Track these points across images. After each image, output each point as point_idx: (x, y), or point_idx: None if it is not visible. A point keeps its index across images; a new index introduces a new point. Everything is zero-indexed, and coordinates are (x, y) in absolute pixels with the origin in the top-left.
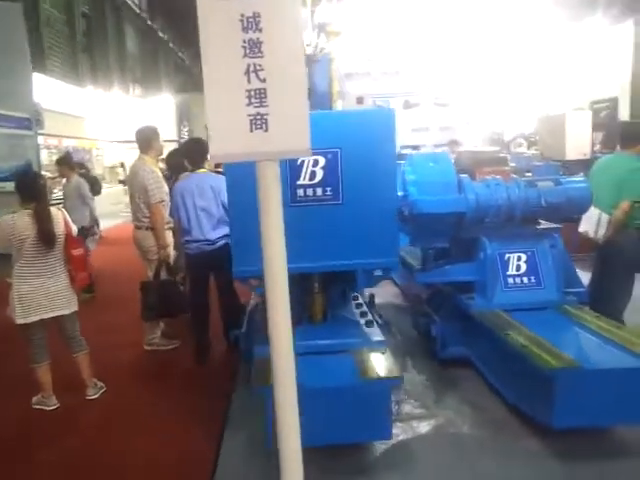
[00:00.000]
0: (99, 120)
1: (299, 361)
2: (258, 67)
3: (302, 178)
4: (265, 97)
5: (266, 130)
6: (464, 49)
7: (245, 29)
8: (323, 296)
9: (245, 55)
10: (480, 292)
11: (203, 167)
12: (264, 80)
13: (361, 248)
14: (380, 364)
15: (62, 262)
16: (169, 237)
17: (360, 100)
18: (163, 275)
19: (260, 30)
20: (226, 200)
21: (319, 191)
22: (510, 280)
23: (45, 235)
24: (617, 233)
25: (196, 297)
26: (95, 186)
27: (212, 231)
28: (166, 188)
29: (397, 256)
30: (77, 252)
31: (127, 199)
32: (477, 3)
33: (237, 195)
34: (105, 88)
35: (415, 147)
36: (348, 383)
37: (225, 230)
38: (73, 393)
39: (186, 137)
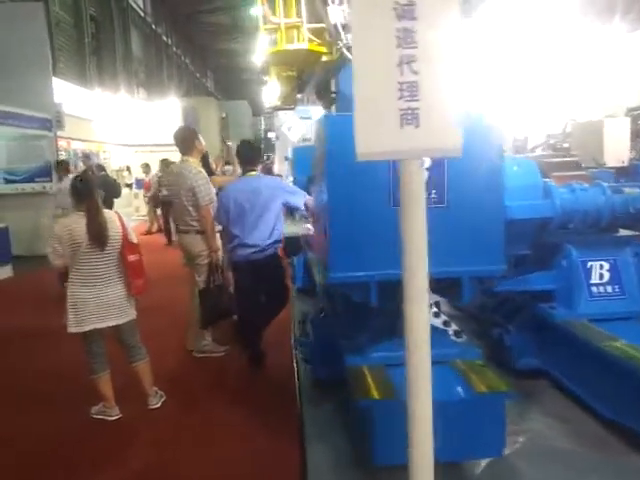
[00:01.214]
0: (106, 123)
1: (398, 374)
2: (411, 58)
3: None
4: (417, 90)
5: (417, 126)
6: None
7: (399, 17)
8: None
9: (399, 45)
10: (562, 301)
11: (255, 169)
12: (417, 72)
13: (466, 255)
14: (485, 376)
15: (118, 269)
16: (218, 241)
17: None
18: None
19: (415, 19)
20: (292, 199)
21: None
22: (594, 289)
23: (95, 234)
24: None
25: (249, 305)
26: (116, 188)
27: (265, 238)
28: (214, 190)
29: (504, 263)
30: (133, 258)
31: (136, 202)
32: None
33: (338, 195)
34: (112, 91)
35: None
36: (462, 397)
37: (277, 236)
38: (133, 403)
39: None
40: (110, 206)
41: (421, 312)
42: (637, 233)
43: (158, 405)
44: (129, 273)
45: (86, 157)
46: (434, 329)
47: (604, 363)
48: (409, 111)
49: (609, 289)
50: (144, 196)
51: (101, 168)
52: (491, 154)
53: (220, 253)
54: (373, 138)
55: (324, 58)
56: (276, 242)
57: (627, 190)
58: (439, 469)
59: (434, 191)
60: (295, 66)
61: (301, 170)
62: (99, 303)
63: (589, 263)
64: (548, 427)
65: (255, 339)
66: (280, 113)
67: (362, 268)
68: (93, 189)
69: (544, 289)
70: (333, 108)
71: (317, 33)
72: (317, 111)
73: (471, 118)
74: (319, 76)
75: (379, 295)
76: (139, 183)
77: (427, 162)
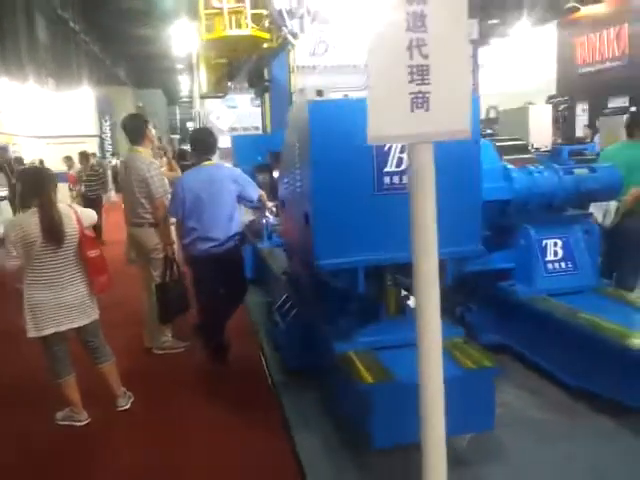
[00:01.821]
0: (15, 114)
1: (389, 357)
2: (421, 42)
3: (389, 165)
4: (428, 74)
5: (427, 110)
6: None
7: (410, 1)
8: (398, 289)
9: (408, 29)
10: (521, 278)
11: (211, 159)
12: (427, 56)
13: (447, 236)
14: (469, 353)
15: (78, 267)
16: (173, 233)
17: (320, 93)
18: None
19: (424, 2)
20: (246, 191)
21: (405, 178)
22: (549, 266)
23: (50, 230)
24: (625, 218)
25: (210, 298)
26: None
27: (225, 231)
28: (167, 181)
29: (479, 243)
30: (94, 253)
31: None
32: None
33: (324, 182)
34: (19, 81)
35: None
36: (452, 375)
37: (236, 228)
38: (102, 405)
39: (108, 132)
40: None
41: (433, 296)
42: (585, 211)
43: (127, 406)
44: (90, 270)
45: (2, 149)
46: (410, 310)
47: (568, 335)
48: (419, 95)
49: (563, 265)
50: (70, 190)
51: (20, 161)
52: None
53: (175, 246)
54: (384, 122)
55: (265, 45)
56: (236, 234)
57: (576, 171)
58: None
59: None
60: (235, 53)
61: (243, 159)
62: (62, 304)
63: (544, 241)
64: (517, 398)
65: (218, 331)
66: (207, 102)
67: (349, 254)
68: (45, 182)
69: (504, 268)
70: (266, 96)
71: (256, 19)
72: (243, 100)
73: None
74: (252, 64)
75: (351, 280)
76: (62, 177)
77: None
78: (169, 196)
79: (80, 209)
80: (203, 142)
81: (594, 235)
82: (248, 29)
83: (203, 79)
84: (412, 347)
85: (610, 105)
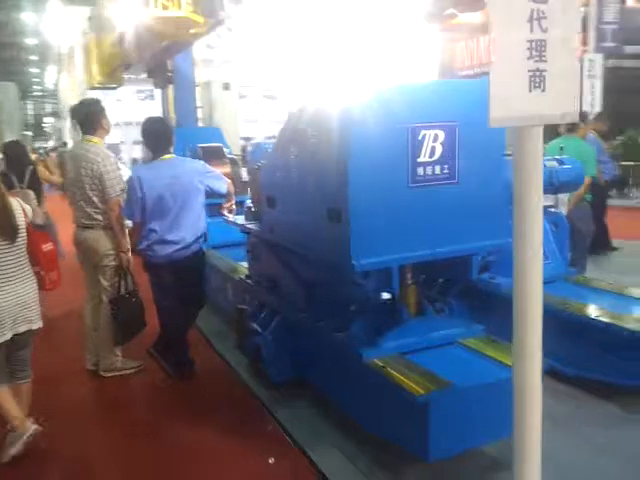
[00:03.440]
0: None
1: (425, 361)
2: (541, 14)
3: (423, 155)
4: (545, 50)
5: (543, 90)
6: (295, 42)
7: None
8: (419, 287)
9: None
10: (498, 271)
11: (170, 152)
12: (546, 30)
13: (476, 231)
14: (503, 351)
15: (28, 263)
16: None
17: (227, 86)
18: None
19: None
20: (215, 184)
21: (437, 169)
22: None
23: (2, 227)
24: (574, 208)
25: (172, 310)
26: None
27: (190, 232)
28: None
29: (508, 237)
30: (47, 248)
31: None
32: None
33: (361, 174)
34: None
35: (247, 139)
36: (499, 376)
37: (203, 229)
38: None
39: None
40: None
41: (535, 283)
42: (549, 203)
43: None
44: (44, 266)
45: None
46: (431, 310)
47: (562, 324)
48: (537, 72)
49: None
50: None
51: None
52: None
53: (129, 254)
54: (506, 102)
55: (192, 31)
56: (202, 236)
57: (547, 163)
58: None
59: (446, 167)
60: (158, 37)
61: (182, 152)
62: (19, 303)
63: None
64: None
65: (182, 346)
66: (91, 94)
67: (386, 253)
68: None
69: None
70: (170, 88)
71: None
72: (127, 92)
73: (477, 86)
74: (153, 54)
75: (383, 280)
76: None
77: (441, 136)
78: (124, 195)
79: (20, 201)
80: (160, 133)
81: (562, 227)
82: (182, 10)
83: (95, 69)
84: (442, 348)
85: None
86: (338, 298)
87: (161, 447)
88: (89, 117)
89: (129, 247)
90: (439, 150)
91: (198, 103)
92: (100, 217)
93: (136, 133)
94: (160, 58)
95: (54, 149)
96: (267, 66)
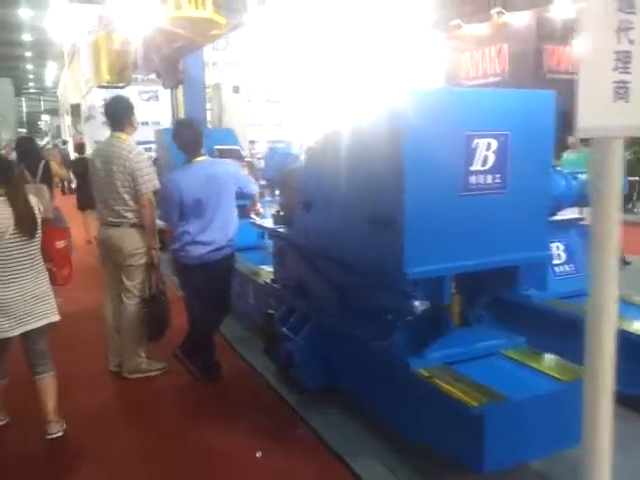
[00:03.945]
0: None
1: (474, 372)
2: (629, 25)
3: (475, 163)
4: (630, 62)
5: (627, 101)
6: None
7: None
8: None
9: (619, 9)
10: (532, 283)
11: (201, 154)
12: (632, 42)
13: (522, 241)
14: (546, 364)
15: (41, 259)
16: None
17: (236, 89)
18: None
19: None
20: (246, 186)
21: (489, 179)
22: (557, 269)
23: (24, 222)
24: None
25: (203, 311)
26: None
27: (223, 234)
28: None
29: (549, 249)
30: (60, 245)
31: None
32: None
33: (415, 180)
34: None
35: (251, 142)
36: (549, 389)
37: (234, 231)
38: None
39: None
40: None
41: (611, 290)
42: (577, 216)
43: (59, 434)
44: (57, 262)
45: None
46: (475, 319)
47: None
48: (621, 84)
49: (567, 268)
50: None
51: None
52: (544, 134)
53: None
54: (591, 112)
55: (212, 32)
56: (233, 238)
57: (580, 176)
58: None
59: (498, 176)
60: (177, 38)
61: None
62: (28, 299)
63: (551, 244)
64: None
65: (210, 348)
66: (97, 92)
67: (438, 261)
68: (12, 167)
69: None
70: (181, 88)
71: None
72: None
73: (528, 97)
74: (162, 54)
75: (430, 289)
76: None
77: (493, 145)
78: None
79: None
80: (193, 136)
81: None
82: (208, 10)
83: (103, 67)
84: (486, 359)
85: None
86: (378, 306)
87: (190, 450)
88: (119, 114)
89: (159, 245)
90: (491, 159)
91: (207, 105)
92: (129, 214)
93: (138, 134)
94: (172, 59)
95: (55, 146)
96: (272, 70)
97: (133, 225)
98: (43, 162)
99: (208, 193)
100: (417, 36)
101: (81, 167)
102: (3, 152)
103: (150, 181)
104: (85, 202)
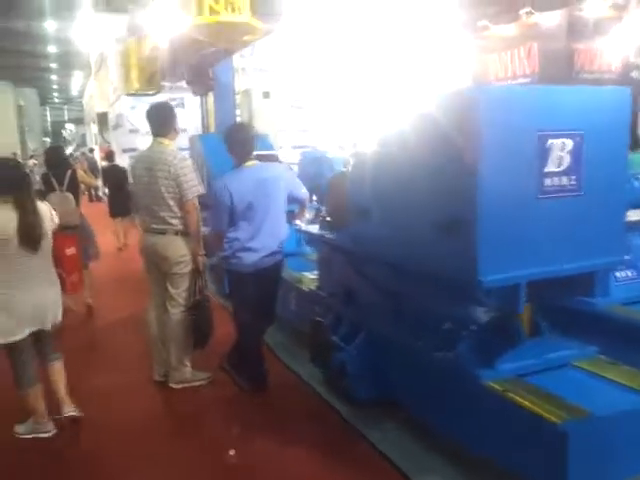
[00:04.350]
0: None
1: (549, 386)
2: None
3: (550, 164)
4: None
5: None
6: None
7: None
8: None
9: None
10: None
11: (252, 158)
12: None
13: (598, 248)
14: (626, 374)
15: (52, 267)
16: None
17: (267, 95)
18: None
19: None
20: (298, 191)
21: (564, 180)
22: (618, 274)
23: (27, 236)
24: None
25: (253, 319)
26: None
27: (276, 239)
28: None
29: (626, 253)
30: (70, 251)
31: None
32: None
33: (491, 182)
34: None
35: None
36: (636, 404)
37: (284, 236)
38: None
39: None
40: None
41: None
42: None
43: (75, 413)
44: (66, 269)
45: None
46: (546, 328)
47: None
48: None
49: (629, 274)
50: None
51: None
52: (620, 133)
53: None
54: None
55: (245, 37)
56: (283, 243)
57: None
58: None
59: (573, 177)
60: (209, 43)
61: (215, 161)
62: (37, 304)
63: None
64: None
65: (259, 358)
66: (125, 100)
67: (514, 268)
68: (24, 176)
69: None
70: (210, 95)
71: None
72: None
73: (603, 94)
74: (193, 60)
75: (504, 297)
76: None
77: (568, 145)
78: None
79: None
80: (245, 141)
81: None
82: (246, 14)
83: (133, 75)
84: (559, 370)
85: None
86: (440, 315)
87: (242, 463)
88: (163, 119)
89: (204, 251)
90: (566, 160)
91: (237, 112)
92: (174, 221)
93: None
94: (202, 65)
95: (83, 154)
96: (298, 76)
97: (178, 232)
98: (70, 171)
99: (258, 197)
100: (445, 37)
101: (111, 175)
102: (31, 162)
103: (195, 186)
104: (116, 209)
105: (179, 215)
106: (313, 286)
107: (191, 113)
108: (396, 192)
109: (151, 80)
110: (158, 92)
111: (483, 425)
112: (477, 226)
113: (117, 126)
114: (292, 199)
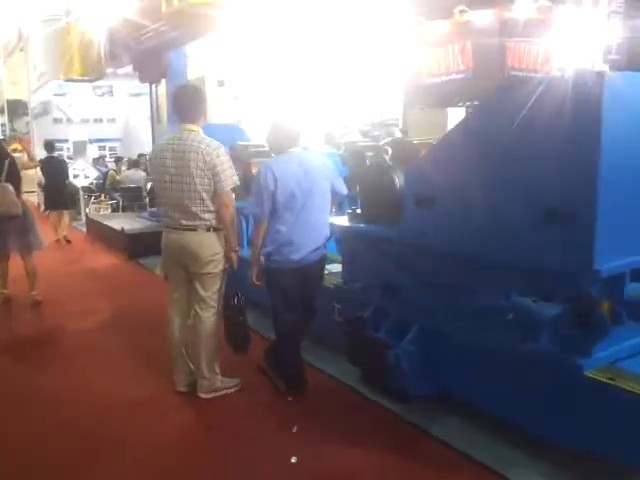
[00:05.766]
0: None
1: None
2: None
3: None
4: None
5: None
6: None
7: None
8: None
9: None
10: None
11: (297, 145)
12: None
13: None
14: None
15: None
16: None
17: (221, 83)
18: None
19: None
20: (339, 183)
21: None
22: None
23: None
24: None
25: (294, 319)
26: None
27: (321, 233)
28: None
29: None
30: None
31: None
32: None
33: (611, 170)
34: None
35: None
36: None
37: (328, 230)
38: None
39: None
40: None
41: None
42: None
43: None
44: None
45: None
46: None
47: None
48: None
49: None
50: None
51: None
52: None
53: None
54: None
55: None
56: (328, 237)
57: None
58: None
59: None
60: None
61: None
62: None
63: None
64: None
65: (299, 359)
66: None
67: (623, 255)
68: None
69: None
70: (162, 82)
71: None
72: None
73: None
74: (143, 46)
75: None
76: None
77: None
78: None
79: None
80: (288, 128)
81: None
82: None
83: (76, 60)
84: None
85: None
86: (522, 308)
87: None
88: (193, 104)
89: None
90: None
91: None
92: (207, 215)
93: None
94: (154, 51)
95: None
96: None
97: (210, 228)
98: (8, 160)
99: (303, 187)
100: (382, 33)
101: (49, 166)
102: None
103: (232, 176)
104: (52, 203)
105: (212, 209)
106: (336, 282)
107: (120, 102)
108: (479, 181)
109: (95, 66)
110: (101, 78)
111: (580, 416)
112: (597, 215)
113: (42, 114)
114: (333, 193)
